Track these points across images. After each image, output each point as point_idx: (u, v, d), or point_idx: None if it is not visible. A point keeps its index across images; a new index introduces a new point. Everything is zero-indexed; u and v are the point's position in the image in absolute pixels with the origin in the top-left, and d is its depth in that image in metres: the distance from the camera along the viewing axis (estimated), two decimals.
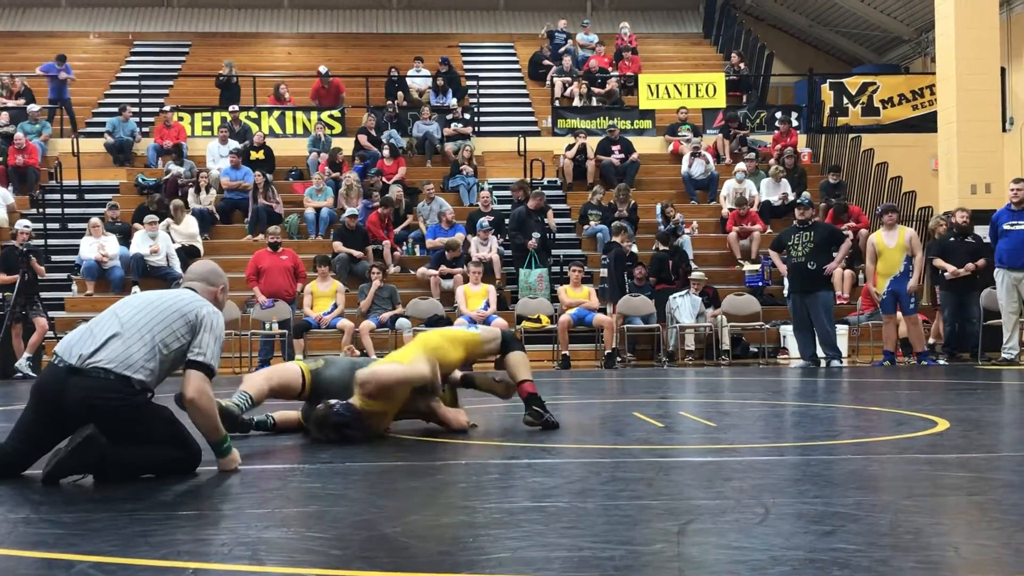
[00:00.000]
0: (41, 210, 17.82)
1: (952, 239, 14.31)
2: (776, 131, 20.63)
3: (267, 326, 14.78)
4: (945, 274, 14.07)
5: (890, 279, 13.39)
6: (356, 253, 16.32)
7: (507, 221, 17.09)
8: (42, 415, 4.75)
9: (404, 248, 17.25)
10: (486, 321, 14.52)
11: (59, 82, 21.12)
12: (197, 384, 4.78)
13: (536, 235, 15.82)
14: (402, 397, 6.04)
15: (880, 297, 13.53)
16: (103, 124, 20.79)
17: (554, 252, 16.56)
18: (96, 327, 4.84)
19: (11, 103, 20.91)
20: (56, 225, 17.83)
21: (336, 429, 5.89)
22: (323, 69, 22.06)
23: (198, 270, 5.26)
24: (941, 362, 13.70)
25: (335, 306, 14.78)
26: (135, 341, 4.74)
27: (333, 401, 5.95)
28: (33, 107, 20.36)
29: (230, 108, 20.43)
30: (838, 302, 15.59)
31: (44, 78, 21.47)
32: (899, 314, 13.65)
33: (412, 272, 16.48)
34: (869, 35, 26.68)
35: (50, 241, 17.25)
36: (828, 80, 21.60)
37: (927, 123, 19.49)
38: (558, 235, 17.24)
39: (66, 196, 18.47)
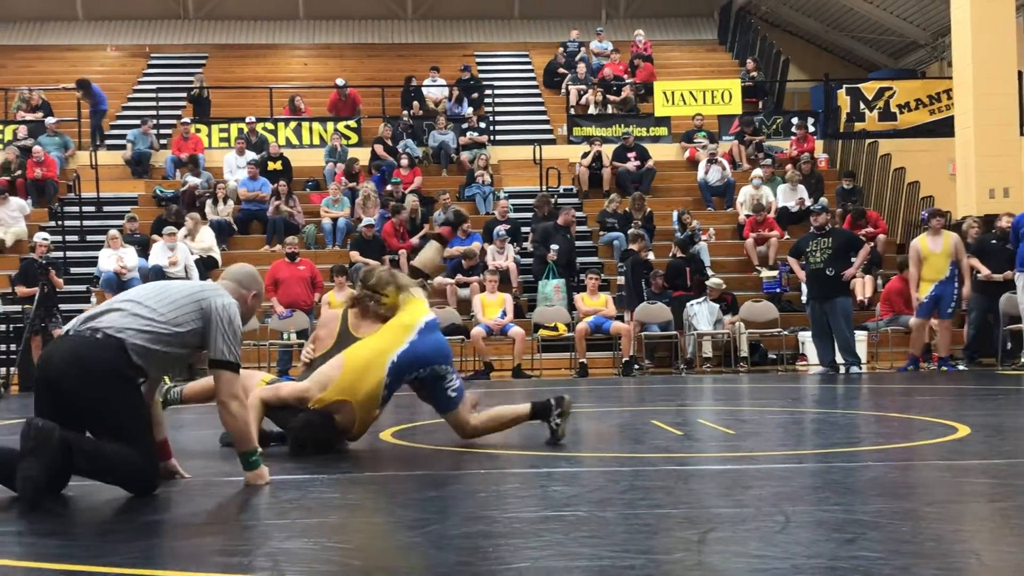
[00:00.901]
0: (60, 222, 17.90)
1: (994, 242, 14.21)
2: (793, 136, 20.58)
3: (285, 336, 14.82)
4: (979, 275, 13.98)
5: (935, 284, 13.36)
6: (373, 263, 16.32)
7: (525, 231, 17.14)
8: (39, 391, 4.55)
9: None
10: (503, 330, 14.54)
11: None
12: (229, 388, 4.65)
13: (554, 247, 15.79)
14: (350, 387, 5.84)
15: (922, 300, 13.46)
16: (121, 136, 20.89)
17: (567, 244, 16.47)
18: (105, 303, 4.76)
19: (30, 116, 21.03)
20: (75, 237, 17.91)
21: (313, 438, 5.85)
22: (340, 81, 22.09)
23: (234, 271, 5.12)
24: (961, 367, 13.63)
25: None
26: (140, 313, 4.58)
27: (300, 417, 5.88)
28: (51, 120, 20.46)
29: (247, 119, 20.51)
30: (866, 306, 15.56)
31: (72, 94, 21.52)
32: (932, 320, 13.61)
33: (429, 281, 16.47)
34: (885, 40, 26.61)
35: (69, 253, 17.32)
36: (844, 85, 21.54)
37: (944, 128, 19.42)
38: (575, 243, 17.21)
39: (85, 208, 18.55)
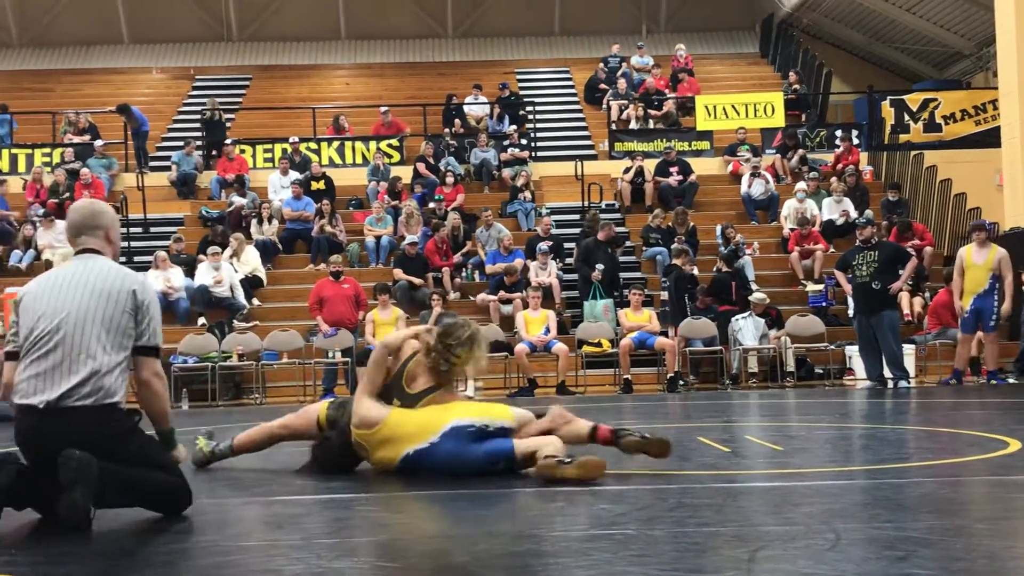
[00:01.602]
0: None
1: None
2: (837, 149, 20.45)
3: (330, 355, 14.89)
4: None
5: (974, 296, 13.24)
6: (416, 280, 16.40)
7: (568, 247, 17.13)
8: (36, 462, 4.46)
9: (464, 274, 17.32)
10: (547, 347, 14.53)
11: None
12: (153, 367, 4.59)
13: (600, 267, 15.76)
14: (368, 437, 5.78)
15: (963, 314, 13.35)
16: (167, 158, 21.13)
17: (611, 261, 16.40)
18: (55, 360, 4.43)
19: (77, 139, 21.32)
20: (123, 259, 18.05)
21: (327, 459, 5.93)
22: (384, 109, 22.11)
23: (80, 221, 4.72)
24: (1011, 380, 13.47)
25: None
26: (111, 367, 4.46)
27: (325, 436, 5.97)
28: (99, 143, 20.74)
29: (290, 139, 20.68)
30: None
31: (116, 117, 21.75)
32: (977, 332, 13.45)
33: (472, 298, 16.52)
34: (929, 51, 26.41)
35: None
36: (888, 97, 21.38)
37: (990, 138, 19.24)
38: (618, 259, 17.14)
39: (132, 230, 18.75)
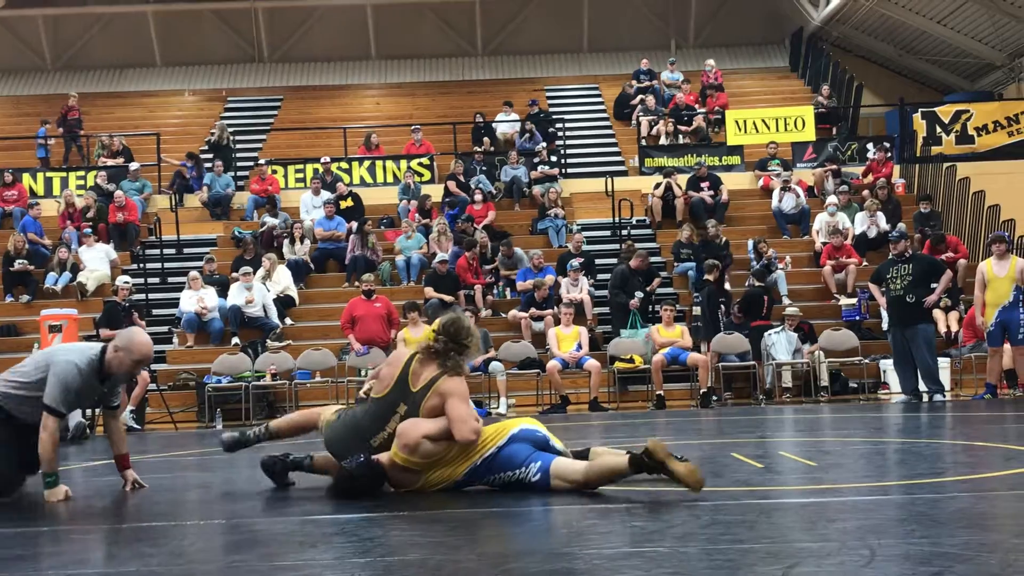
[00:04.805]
0: (141, 265, 18.26)
1: None
2: (872, 160, 20.34)
3: (363, 373, 14.94)
4: None
5: (998, 309, 13.11)
6: (447, 298, 16.41)
7: (599, 263, 17.09)
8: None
9: (495, 291, 17.31)
10: (579, 364, 14.51)
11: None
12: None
13: (639, 294, 15.72)
14: (434, 456, 5.78)
15: (988, 328, 13.24)
16: (199, 179, 21.25)
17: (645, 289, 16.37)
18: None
19: (111, 162, 21.52)
20: (156, 280, 18.25)
21: (355, 485, 5.86)
22: (414, 128, 22.17)
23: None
24: None
25: None
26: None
27: (347, 462, 5.89)
28: (133, 165, 20.91)
29: (322, 159, 20.79)
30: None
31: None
32: (1005, 345, 13.31)
33: (504, 315, 16.52)
34: (960, 62, 26.25)
35: (151, 295, 17.65)
36: (920, 109, 21.27)
37: (1023, 149, 19.08)
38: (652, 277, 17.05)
39: (166, 251, 18.90)
